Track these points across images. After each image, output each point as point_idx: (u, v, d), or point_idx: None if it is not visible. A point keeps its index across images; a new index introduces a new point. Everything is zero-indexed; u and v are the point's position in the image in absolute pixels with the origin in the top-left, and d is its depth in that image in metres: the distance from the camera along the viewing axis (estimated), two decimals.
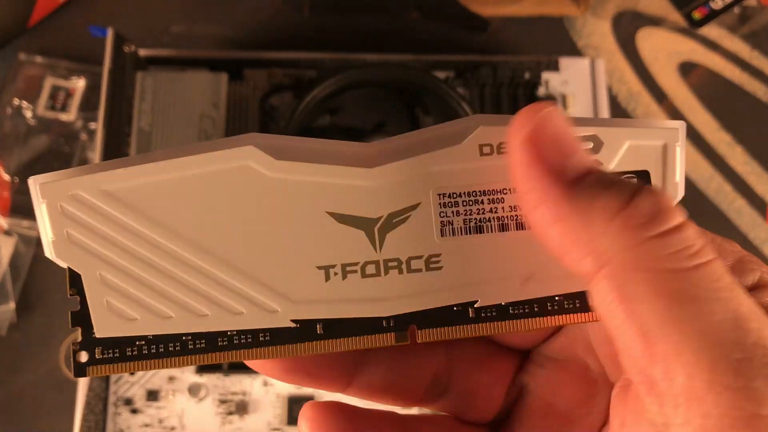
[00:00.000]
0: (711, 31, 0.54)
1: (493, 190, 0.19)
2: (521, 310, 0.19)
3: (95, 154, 0.40)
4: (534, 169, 0.17)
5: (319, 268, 0.19)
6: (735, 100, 0.52)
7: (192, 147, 0.18)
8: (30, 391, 0.44)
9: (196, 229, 0.18)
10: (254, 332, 0.19)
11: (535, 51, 0.51)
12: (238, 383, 0.41)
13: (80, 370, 0.18)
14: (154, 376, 0.40)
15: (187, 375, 0.41)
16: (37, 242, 0.46)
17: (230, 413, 0.40)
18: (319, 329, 0.19)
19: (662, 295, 0.15)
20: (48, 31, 0.51)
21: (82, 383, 0.39)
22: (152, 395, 0.40)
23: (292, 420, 0.40)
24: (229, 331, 0.19)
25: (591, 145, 0.19)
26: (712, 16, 0.52)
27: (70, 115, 0.48)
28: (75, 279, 0.19)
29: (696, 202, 0.50)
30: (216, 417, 0.40)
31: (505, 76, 0.45)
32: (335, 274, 0.19)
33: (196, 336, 0.18)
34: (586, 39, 0.53)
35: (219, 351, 0.19)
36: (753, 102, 0.52)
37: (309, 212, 0.18)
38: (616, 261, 0.16)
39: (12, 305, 0.45)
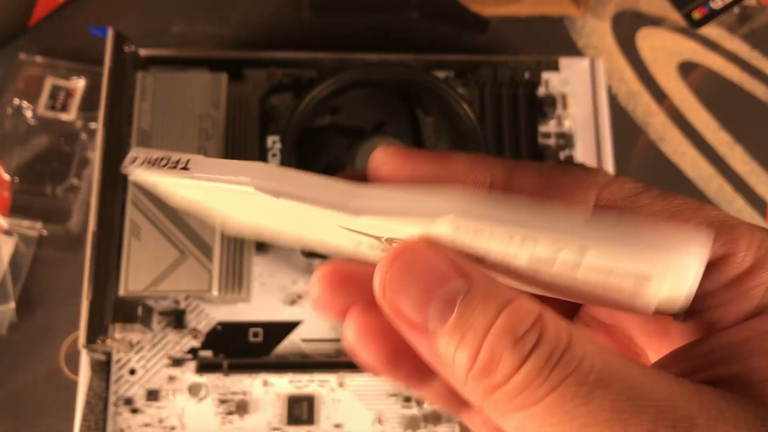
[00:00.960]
0: (711, 31, 0.54)
1: None
2: None
3: (95, 154, 0.40)
4: (402, 325, 0.16)
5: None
6: (735, 100, 0.52)
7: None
8: (30, 391, 0.44)
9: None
10: None
11: (535, 51, 0.51)
12: (238, 383, 0.41)
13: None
14: (155, 376, 0.40)
15: (188, 375, 0.41)
16: (37, 242, 0.46)
17: (230, 413, 0.40)
18: None
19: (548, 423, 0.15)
20: (48, 31, 0.51)
21: (83, 383, 0.39)
22: (152, 395, 0.40)
23: (292, 419, 0.40)
24: None
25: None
26: (711, 16, 0.52)
27: (70, 115, 0.48)
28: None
29: None
30: (216, 417, 0.40)
31: (505, 75, 0.45)
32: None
33: None
34: (586, 39, 0.53)
35: None
36: (753, 102, 0.52)
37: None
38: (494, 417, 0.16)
39: (12, 305, 0.45)
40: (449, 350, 0.15)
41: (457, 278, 0.16)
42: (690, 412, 0.14)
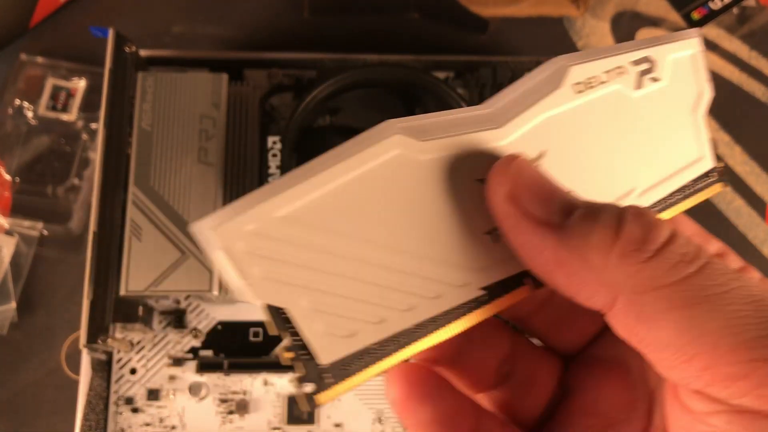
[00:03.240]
0: (710, 31, 0.54)
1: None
2: None
3: (96, 155, 0.40)
4: (522, 225, 0.18)
5: (486, 233, 0.19)
6: (734, 101, 0.52)
7: (338, 152, 0.18)
8: (31, 391, 0.44)
9: (371, 228, 0.18)
10: (453, 309, 0.19)
11: (534, 51, 0.51)
12: (238, 382, 0.41)
13: (312, 402, 0.18)
14: (155, 375, 0.41)
15: (188, 374, 0.41)
16: (38, 242, 0.46)
17: (231, 412, 0.40)
18: (494, 291, 0.20)
19: (677, 306, 0.16)
20: (49, 32, 0.51)
21: (83, 382, 0.40)
22: (153, 394, 0.40)
23: (292, 419, 0.40)
24: (435, 314, 0.19)
25: (648, 65, 0.20)
26: (710, 16, 0.53)
27: (71, 116, 0.48)
28: (276, 314, 0.18)
29: None
30: (216, 416, 0.40)
31: (504, 76, 0.45)
32: (500, 235, 0.19)
33: (403, 331, 0.19)
34: (586, 39, 0.53)
35: (424, 336, 0.19)
36: (752, 102, 0.53)
37: (460, 185, 0.19)
38: (625, 290, 0.16)
39: (13, 305, 0.45)
40: (584, 231, 0.17)
41: (561, 191, 0.18)
42: None
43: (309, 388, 0.18)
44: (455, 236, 0.19)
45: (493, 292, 0.20)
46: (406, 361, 0.19)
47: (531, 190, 0.18)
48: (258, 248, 0.17)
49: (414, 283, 0.19)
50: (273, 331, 0.18)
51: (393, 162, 0.18)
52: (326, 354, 0.18)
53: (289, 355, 0.18)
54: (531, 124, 0.19)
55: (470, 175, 0.19)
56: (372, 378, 0.19)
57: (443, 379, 0.22)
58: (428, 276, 0.19)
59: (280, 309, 0.17)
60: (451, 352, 0.22)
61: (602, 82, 0.20)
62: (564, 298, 0.18)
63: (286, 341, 0.18)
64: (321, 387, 0.18)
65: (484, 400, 0.24)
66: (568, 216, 0.17)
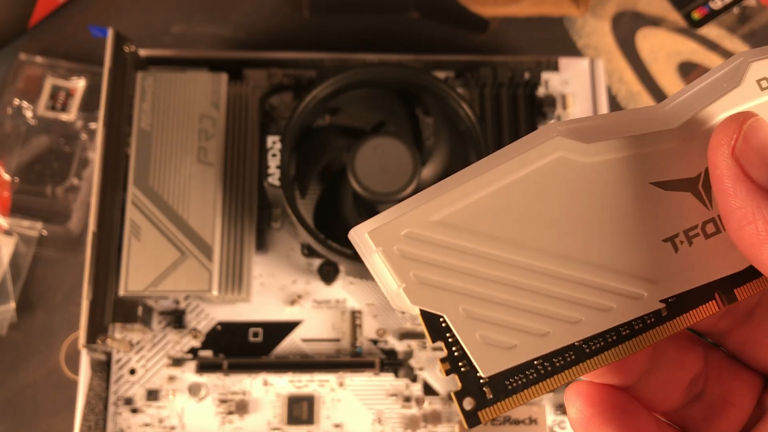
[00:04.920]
0: (710, 31, 0.54)
1: None
2: None
3: (96, 155, 0.40)
4: (741, 185, 0.16)
5: (665, 240, 0.18)
6: None
7: (499, 155, 0.17)
8: (30, 391, 0.44)
9: (533, 233, 0.17)
10: (625, 325, 0.18)
11: (534, 51, 0.51)
12: (238, 383, 0.41)
13: (473, 418, 0.17)
14: (155, 376, 0.41)
15: (187, 375, 0.41)
16: (38, 242, 0.46)
17: (230, 413, 0.40)
18: (675, 305, 0.18)
19: None
20: (48, 32, 0.51)
21: (83, 383, 0.40)
22: (152, 395, 0.40)
23: (292, 419, 0.40)
24: (604, 330, 0.18)
25: None
26: (711, 16, 0.52)
27: (70, 115, 0.48)
28: (433, 322, 0.17)
29: None
30: (216, 417, 0.40)
31: (504, 76, 0.45)
32: (681, 242, 0.18)
33: (570, 347, 0.17)
34: (586, 39, 0.53)
35: (594, 355, 0.18)
36: None
37: (634, 188, 0.18)
38: None
39: (12, 305, 0.45)
40: None
41: None
42: None
43: (468, 403, 0.17)
44: (628, 243, 0.18)
45: (674, 307, 0.18)
46: (575, 380, 0.18)
47: (761, 153, 0.16)
48: (415, 252, 0.17)
49: (580, 292, 0.17)
50: (430, 340, 0.17)
51: (555, 164, 0.17)
52: (487, 366, 0.17)
53: (446, 366, 0.17)
54: (711, 123, 0.18)
55: (643, 179, 0.18)
56: (537, 397, 0.18)
57: (629, 400, 0.20)
58: (596, 285, 0.18)
59: (437, 316, 0.17)
60: (638, 372, 0.20)
61: None
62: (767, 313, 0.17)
63: (443, 351, 0.17)
64: (481, 403, 0.17)
65: (669, 417, 0.22)
66: None
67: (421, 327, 0.17)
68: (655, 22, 0.54)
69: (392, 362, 0.41)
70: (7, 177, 0.47)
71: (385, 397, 0.41)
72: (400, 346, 0.42)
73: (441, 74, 0.46)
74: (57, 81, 0.49)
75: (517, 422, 0.39)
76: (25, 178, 0.47)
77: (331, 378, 0.41)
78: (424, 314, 0.17)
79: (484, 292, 0.17)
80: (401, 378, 0.41)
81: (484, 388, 0.17)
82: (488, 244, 0.17)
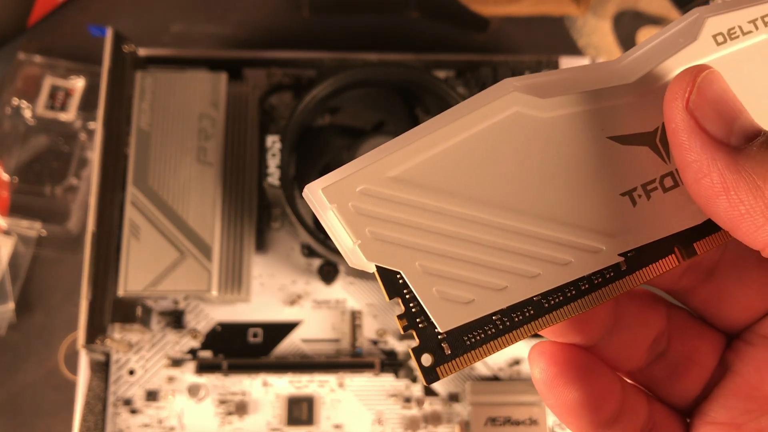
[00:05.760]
0: None
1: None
2: None
3: (94, 154, 0.40)
4: (696, 139, 0.16)
5: (623, 194, 0.18)
6: None
7: (454, 111, 0.17)
8: (29, 391, 0.44)
9: (490, 189, 0.17)
10: (584, 279, 0.18)
11: (535, 50, 0.51)
12: (237, 383, 0.41)
13: (431, 374, 0.17)
14: (154, 376, 0.40)
15: (187, 375, 0.40)
16: (37, 242, 0.46)
17: (230, 413, 0.40)
18: (634, 259, 0.18)
19: None
20: (47, 31, 0.51)
21: (82, 383, 0.39)
22: (152, 395, 0.40)
23: (291, 420, 0.40)
24: (563, 284, 0.18)
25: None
26: None
27: (69, 115, 0.48)
28: (390, 279, 0.17)
29: None
30: (215, 417, 0.40)
31: (505, 75, 0.44)
32: (639, 196, 0.18)
33: (529, 302, 0.17)
34: (587, 38, 0.53)
35: (554, 310, 0.18)
36: None
37: (591, 143, 0.18)
38: None
39: (11, 305, 0.45)
40: (763, 158, 0.16)
41: (747, 114, 0.17)
42: None
43: (426, 359, 0.17)
44: (585, 197, 0.18)
45: (633, 261, 0.18)
46: (537, 336, 0.18)
47: (715, 106, 0.16)
48: (370, 208, 0.17)
49: (538, 246, 0.17)
50: (387, 297, 0.17)
51: (512, 119, 0.17)
52: (444, 321, 0.17)
53: (403, 322, 0.17)
54: (667, 78, 0.18)
55: (600, 133, 0.18)
56: (496, 352, 0.18)
57: (592, 359, 0.20)
58: (554, 240, 0.17)
59: (394, 272, 0.17)
60: (600, 330, 0.20)
61: (748, 33, 0.18)
62: (730, 270, 0.17)
63: (400, 308, 0.17)
64: (440, 359, 0.17)
65: (632, 377, 0.22)
66: (747, 141, 0.16)
67: (379, 282, 0.17)
68: (655, 21, 0.54)
69: (392, 363, 0.41)
70: (5, 177, 0.47)
71: (385, 397, 0.41)
72: (400, 347, 0.42)
73: (441, 74, 0.46)
74: (56, 80, 0.48)
75: (517, 423, 0.39)
76: (24, 177, 0.47)
77: (330, 378, 0.41)
78: (381, 271, 0.17)
79: (440, 247, 0.17)
80: (401, 378, 0.41)
81: (442, 344, 0.17)
82: (444, 200, 0.17)
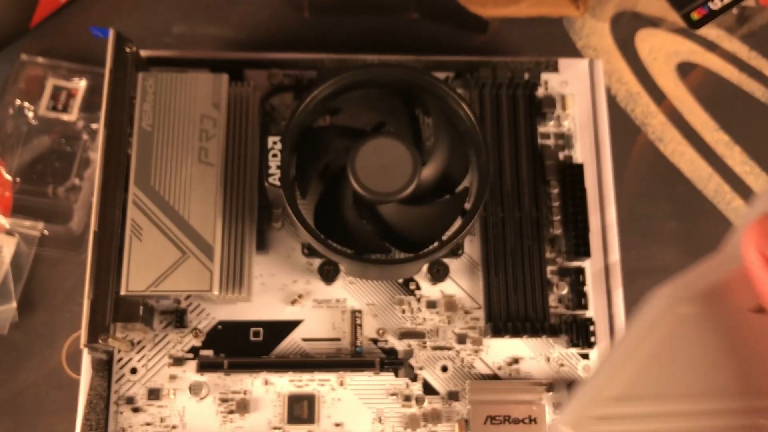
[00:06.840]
0: (710, 31, 0.54)
1: None
2: None
3: (97, 155, 0.40)
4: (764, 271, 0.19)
5: None
6: (733, 101, 0.53)
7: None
8: (32, 390, 0.44)
9: (687, 383, 0.20)
10: None
11: (534, 51, 0.52)
12: (238, 382, 0.41)
13: None
14: (156, 375, 0.41)
15: (189, 374, 0.41)
16: (39, 242, 0.46)
17: (231, 412, 0.40)
18: None
19: None
20: (49, 32, 0.51)
21: (84, 382, 0.40)
22: (153, 394, 0.40)
23: (292, 419, 0.40)
24: None
25: None
26: (710, 16, 0.53)
27: (71, 116, 0.48)
28: None
29: (694, 202, 0.50)
30: (217, 416, 0.40)
31: (504, 76, 0.45)
32: None
33: None
34: (585, 39, 0.53)
35: None
36: (751, 102, 0.53)
37: (739, 319, 0.21)
38: None
39: (14, 305, 0.45)
40: None
41: None
42: None
43: None
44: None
45: None
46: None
47: None
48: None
49: (742, 419, 0.20)
50: None
51: (677, 321, 0.20)
52: None
53: None
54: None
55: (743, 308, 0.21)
56: None
57: None
58: (749, 409, 0.20)
59: None
60: None
61: None
62: None
63: None
64: None
65: None
66: None
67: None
68: (654, 22, 0.54)
69: (392, 362, 0.41)
70: (8, 177, 0.47)
71: (386, 396, 0.41)
72: (400, 346, 0.42)
73: (441, 75, 0.46)
74: (58, 81, 0.49)
75: (516, 421, 0.40)
76: (26, 178, 0.47)
77: (331, 377, 0.41)
78: None
79: None
80: (401, 377, 0.41)
81: None
82: (654, 404, 0.20)
